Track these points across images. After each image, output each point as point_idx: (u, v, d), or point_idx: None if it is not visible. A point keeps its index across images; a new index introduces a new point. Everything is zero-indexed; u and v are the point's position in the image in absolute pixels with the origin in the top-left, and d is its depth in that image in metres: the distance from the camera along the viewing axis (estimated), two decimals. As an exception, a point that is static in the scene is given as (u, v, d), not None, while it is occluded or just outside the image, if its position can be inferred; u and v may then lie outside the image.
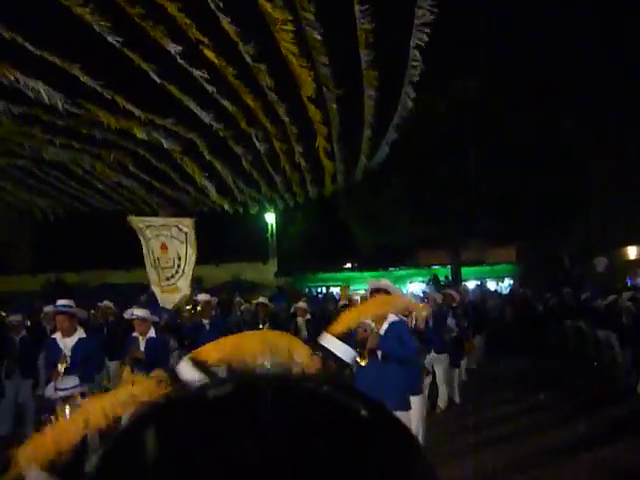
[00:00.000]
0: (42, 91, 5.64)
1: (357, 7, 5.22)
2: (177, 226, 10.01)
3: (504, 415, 9.34)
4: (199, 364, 2.77)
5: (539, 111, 20.50)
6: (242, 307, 14.45)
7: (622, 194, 21.52)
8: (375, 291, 5.88)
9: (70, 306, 7.12)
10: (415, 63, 6.75)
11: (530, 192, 21.46)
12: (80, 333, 7.05)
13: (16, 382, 9.30)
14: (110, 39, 4.73)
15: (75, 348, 6.84)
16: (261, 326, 10.93)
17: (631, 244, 24.97)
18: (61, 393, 4.97)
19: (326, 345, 4.38)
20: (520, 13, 18.87)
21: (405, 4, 5.53)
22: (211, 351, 2.88)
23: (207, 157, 10.17)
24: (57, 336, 7.06)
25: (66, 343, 6.89)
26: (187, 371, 2.88)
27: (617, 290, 15.07)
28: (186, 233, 9.95)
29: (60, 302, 7.18)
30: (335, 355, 4.31)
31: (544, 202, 21.71)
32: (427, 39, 6.18)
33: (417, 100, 8.73)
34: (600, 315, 13.39)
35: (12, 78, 5.32)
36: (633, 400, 10.00)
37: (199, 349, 2.99)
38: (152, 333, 7.61)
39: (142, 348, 7.43)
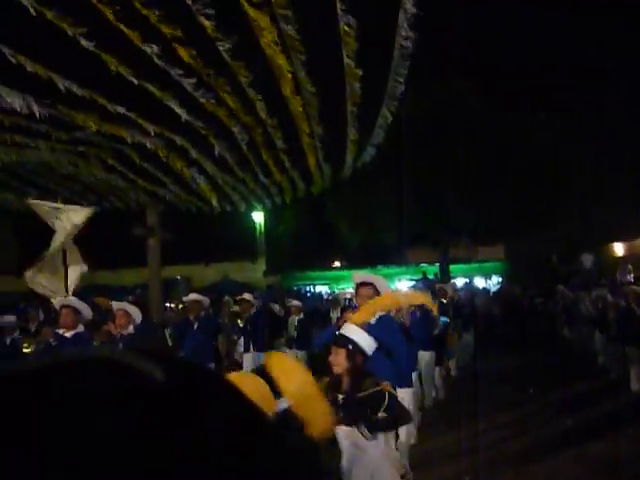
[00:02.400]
0: (16, 100, 5.60)
1: (338, 4, 5.19)
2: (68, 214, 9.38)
3: (492, 410, 9.37)
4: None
5: (524, 110, 20.57)
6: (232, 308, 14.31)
7: (608, 192, 21.66)
8: (361, 285, 5.78)
9: (76, 302, 7.46)
10: (400, 63, 6.76)
11: (517, 189, 21.59)
12: (79, 329, 7.21)
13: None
14: (84, 43, 4.70)
15: (71, 341, 6.93)
16: (239, 322, 11.10)
17: (617, 241, 25.14)
18: None
19: (350, 336, 4.42)
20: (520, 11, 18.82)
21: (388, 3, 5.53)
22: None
23: (193, 155, 10.12)
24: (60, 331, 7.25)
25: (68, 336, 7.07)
26: (356, 334, 3.41)
27: (603, 286, 15.21)
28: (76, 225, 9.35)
29: (70, 298, 7.67)
30: (358, 346, 4.33)
31: (531, 200, 21.85)
32: (411, 41, 6.19)
33: (404, 99, 8.78)
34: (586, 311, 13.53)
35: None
36: (623, 394, 10.06)
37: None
38: (130, 330, 7.63)
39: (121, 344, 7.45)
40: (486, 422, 8.63)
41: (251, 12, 4.74)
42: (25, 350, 7.22)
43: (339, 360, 4.34)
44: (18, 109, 5.62)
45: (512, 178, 21.42)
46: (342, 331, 4.52)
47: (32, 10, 4.33)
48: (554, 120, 20.63)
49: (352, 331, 4.49)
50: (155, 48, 5.09)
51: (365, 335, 4.49)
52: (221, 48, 5.17)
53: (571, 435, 7.90)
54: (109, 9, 4.51)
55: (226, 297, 15.87)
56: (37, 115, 6.08)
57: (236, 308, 13.44)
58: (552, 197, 22.23)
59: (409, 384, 6.63)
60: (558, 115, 20.46)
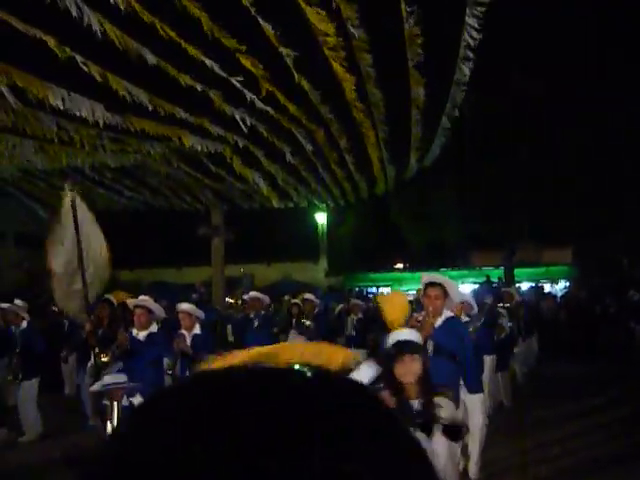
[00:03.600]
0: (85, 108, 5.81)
1: (404, 7, 5.16)
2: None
3: (556, 419, 9.11)
4: None
5: (591, 110, 19.91)
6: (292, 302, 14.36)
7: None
8: (430, 285, 5.49)
9: (148, 301, 7.51)
10: (466, 62, 6.67)
11: (585, 190, 20.97)
12: (153, 328, 7.25)
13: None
14: (149, 57, 4.84)
15: (147, 340, 7.06)
16: (305, 321, 11.09)
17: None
18: (111, 386, 5.39)
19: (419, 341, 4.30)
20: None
21: (454, 3, 5.47)
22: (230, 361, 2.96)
23: (258, 155, 10.27)
24: (134, 330, 7.32)
25: (143, 336, 7.14)
26: None
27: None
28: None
29: (141, 297, 7.67)
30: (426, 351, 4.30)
31: (600, 200, 21.18)
32: (478, 37, 6.10)
33: (469, 99, 8.67)
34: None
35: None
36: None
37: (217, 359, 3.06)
38: (197, 330, 7.73)
39: (188, 343, 7.57)
40: (548, 431, 8.40)
41: (313, 17, 4.76)
42: (104, 359, 7.27)
43: (415, 368, 4.05)
44: (85, 116, 5.82)
45: (580, 178, 20.79)
46: (408, 337, 4.31)
47: (98, 27, 4.48)
48: (621, 119, 19.89)
49: (417, 336, 4.35)
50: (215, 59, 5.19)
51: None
52: (285, 56, 5.21)
53: (637, 450, 7.59)
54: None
55: (286, 296, 15.97)
56: (101, 123, 6.28)
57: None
58: (621, 197, 21.46)
59: (478, 389, 6.34)
60: (624, 114, 19.71)
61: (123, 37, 4.63)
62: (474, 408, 6.34)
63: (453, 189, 22.20)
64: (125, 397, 5.53)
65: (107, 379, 5.63)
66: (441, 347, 5.23)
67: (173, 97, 6.20)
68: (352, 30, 4.93)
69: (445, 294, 5.38)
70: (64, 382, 12.27)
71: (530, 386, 11.79)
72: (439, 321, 5.37)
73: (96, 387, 5.69)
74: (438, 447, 4.31)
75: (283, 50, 5.02)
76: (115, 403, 5.19)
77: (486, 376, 9.13)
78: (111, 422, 5.05)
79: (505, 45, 14.75)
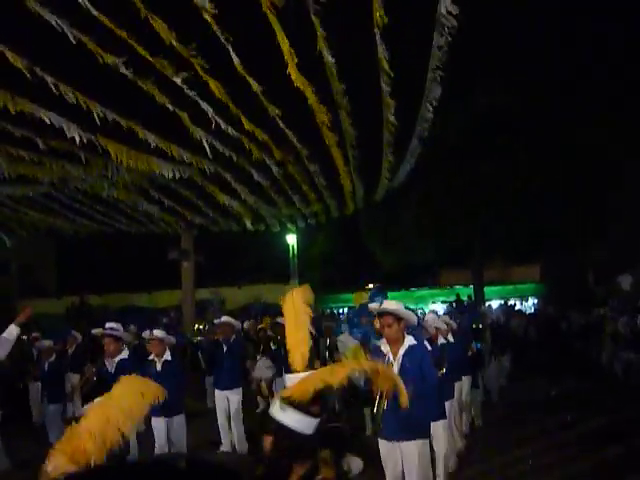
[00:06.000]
0: (64, 125, 5.79)
1: (376, 31, 5.22)
2: None
3: (530, 436, 9.17)
4: (294, 405, 2.75)
5: (558, 127, 20.26)
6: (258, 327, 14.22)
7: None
8: (379, 315, 5.39)
9: (116, 329, 7.44)
10: (435, 83, 6.79)
11: (553, 208, 21.28)
12: (124, 355, 7.29)
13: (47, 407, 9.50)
14: (122, 70, 4.84)
15: (116, 369, 7.04)
16: (273, 346, 11.00)
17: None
18: None
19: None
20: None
21: (422, 24, 5.57)
22: (298, 390, 2.85)
23: (228, 179, 10.26)
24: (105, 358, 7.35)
25: (112, 364, 7.20)
26: (283, 414, 2.83)
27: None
28: None
29: (108, 325, 7.52)
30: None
31: (567, 218, 21.50)
32: (443, 60, 6.23)
33: (434, 121, 8.77)
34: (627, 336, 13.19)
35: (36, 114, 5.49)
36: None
37: (287, 390, 2.96)
38: (168, 356, 7.65)
39: (159, 369, 7.49)
40: (523, 449, 8.45)
41: (284, 44, 4.81)
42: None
43: None
44: (66, 133, 5.77)
45: (547, 195, 21.08)
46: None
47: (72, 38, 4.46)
48: (590, 135, 20.28)
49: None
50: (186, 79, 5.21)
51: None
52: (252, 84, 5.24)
53: (610, 465, 7.68)
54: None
55: (249, 321, 15.79)
56: (77, 141, 6.24)
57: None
58: (589, 215, 21.80)
59: (441, 416, 6.50)
60: (594, 130, 20.11)
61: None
62: (438, 435, 6.35)
63: (421, 208, 22.34)
64: None
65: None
66: (403, 376, 5.02)
67: (144, 119, 6.20)
68: (326, 55, 4.99)
69: (398, 319, 5.27)
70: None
71: (501, 404, 11.85)
72: (401, 350, 5.28)
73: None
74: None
75: (250, 80, 5.06)
76: None
77: (466, 394, 9.16)
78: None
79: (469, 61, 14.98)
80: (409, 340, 5.35)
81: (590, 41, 19.07)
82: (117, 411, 2.15)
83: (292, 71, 5.04)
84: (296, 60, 4.88)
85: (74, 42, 4.43)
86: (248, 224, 15.10)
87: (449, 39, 5.59)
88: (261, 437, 3.12)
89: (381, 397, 4.96)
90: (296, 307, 3.37)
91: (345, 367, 3.02)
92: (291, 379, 3.25)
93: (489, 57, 17.81)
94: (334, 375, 2.91)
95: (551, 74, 19.69)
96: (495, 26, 16.44)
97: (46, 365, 9.84)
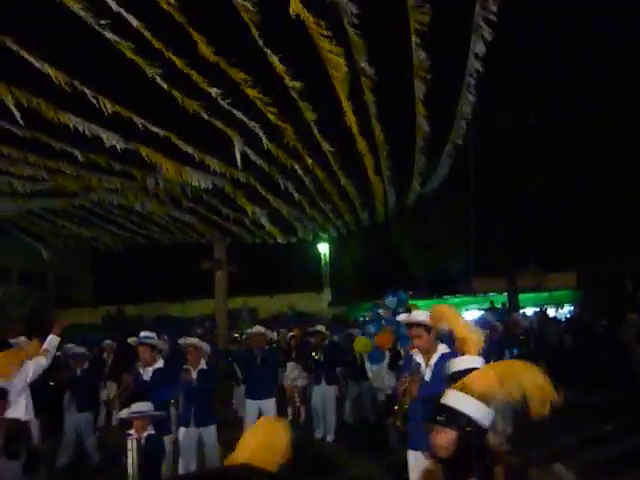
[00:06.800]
0: (102, 135, 5.92)
1: (413, 38, 5.22)
2: None
3: (569, 447, 8.95)
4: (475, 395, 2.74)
5: (593, 133, 20.02)
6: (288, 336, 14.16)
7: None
8: (407, 326, 5.39)
9: (152, 337, 7.45)
10: (470, 89, 6.76)
11: (590, 215, 20.98)
12: (159, 364, 7.29)
13: (75, 415, 9.44)
14: (159, 81, 4.91)
15: (152, 378, 7.10)
16: (314, 354, 10.90)
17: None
18: (134, 415, 5.57)
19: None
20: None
21: (459, 34, 5.56)
22: (478, 381, 2.82)
23: (259, 190, 10.33)
24: (140, 366, 7.37)
25: (147, 372, 7.20)
26: (460, 401, 2.77)
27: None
28: None
29: (142, 334, 7.52)
30: None
31: (603, 223, 21.17)
32: (481, 68, 6.20)
33: (471, 129, 8.74)
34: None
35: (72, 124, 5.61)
36: None
37: (465, 379, 2.91)
38: (203, 365, 7.69)
39: (194, 377, 7.53)
40: (561, 460, 8.25)
41: (326, 47, 4.80)
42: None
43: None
44: (105, 143, 5.87)
45: (582, 202, 20.81)
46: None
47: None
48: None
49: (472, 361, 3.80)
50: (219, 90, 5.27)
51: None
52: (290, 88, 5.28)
53: None
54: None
55: (282, 329, 15.82)
56: (119, 151, 6.34)
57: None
58: (627, 219, 21.42)
59: None
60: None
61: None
62: None
63: (455, 215, 22.22)
64: (151, 427, 5.65)
65: (135, 407, 5.67)
66: (435, 385, 4.84)
67: (178, 127, 6.28)
68: (362, 64, 5.00)
69: (427, 329, 5.22)
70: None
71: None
72: (433, 359, 5.23)
73: (123, 414, 5.75)
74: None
75: (289, 82, 5.09)
76: (135, 439, 5.21)
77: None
78: (131, 456, 5.02)
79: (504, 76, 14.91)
80: (442, 349, 5.29)
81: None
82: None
83: (336, 79, 5.05)
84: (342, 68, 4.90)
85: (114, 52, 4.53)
86: (279, 238, 15.20)
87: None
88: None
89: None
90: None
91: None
92: (459, 362, 3.69)
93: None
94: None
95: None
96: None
97: (78, 372, 9.70)
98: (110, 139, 5.93)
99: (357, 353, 11.59)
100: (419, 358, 5.35)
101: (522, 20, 16.80)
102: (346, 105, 5.72)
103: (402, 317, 5.93)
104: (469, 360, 3.77)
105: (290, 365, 12.17)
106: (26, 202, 9.40)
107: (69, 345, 10.22)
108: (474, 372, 3.03)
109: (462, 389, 2.83)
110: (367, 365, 11.38)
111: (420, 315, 5.39)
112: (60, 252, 17.10)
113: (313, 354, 10.81)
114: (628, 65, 18.70)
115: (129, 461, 4.91)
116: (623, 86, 18.96)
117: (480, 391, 2.78)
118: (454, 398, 2.84)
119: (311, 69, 5.31)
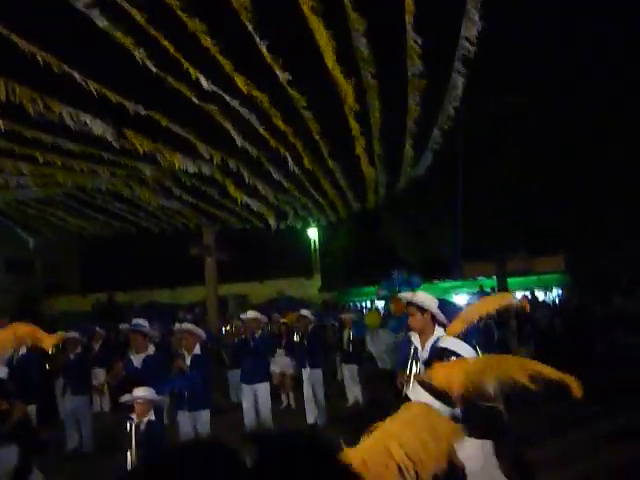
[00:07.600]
0: (90, 123, 5.83)
1: (407, 19, 5.19)
2: None
3: (556, 428, 9.05)
4: (430, 389, 2.73)
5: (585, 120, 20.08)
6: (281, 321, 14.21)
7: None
8: (408, 305, 5.36)
9: (144, 325, 7.49)
10: (460, 74, 6.73)
11: (577, 199, 21.12)
12: (150, 350, 7.36)
13: (71, 399, 9.51)
14: (148, 64, 4.85)
15: (143, 365, 7.16)
16: (296, 338, 11.03)
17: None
18: (139, 400, 5.59)
19: (455, 349, 3.86)
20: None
21: (451, 18, 5.54)
22: (444, 376, 2.82)
23: (247, 178, 10.27)
24: (131, 353, 7.49)
25: (138, 359, 7.28)
26: (421, 395, 2.79)
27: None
28: None
29: (135, 322, 7.57)
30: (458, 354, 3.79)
31: (605, 225, 21.37)
32: (473, 50, 6.18)
33: (460, 113, 8.72)
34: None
35: (61, 112, 5.53)
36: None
37: (430, 371, 2.94)
38: (197, 350, 7.68)
39: (187, 363, 7.53)
40: (548, 441, 8.36)
41: (316, 26, 4.75)
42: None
43: None
44: (97, 135, 5.81)
45: (582, 202, 20.98)
46: (443, 344, 3.97)
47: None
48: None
49: (453, 344, 3.98)
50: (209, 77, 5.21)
51: (467, 347, 3.97)
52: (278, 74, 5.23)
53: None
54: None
55: (275, 314, 15.87)
56: (113, 142, 6.27)
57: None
58: (627, 219, 21.59)
59: None
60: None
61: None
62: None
63: (444, 200, 22.29)
64: (152, 412, 5.67)
65: (137, 392, 5.66)
66: (429, 367, 4.88)
67: (169, 111, 6.21)
68: (357, 42, 4.96)
69: (421, 310, 5.26)
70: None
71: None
72: (429, 341, 5.20)
73: (126, 398, 5.74)
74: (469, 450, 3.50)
75: (279, 72, 5.04)
76: (136, 423, 5.28)
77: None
78: (130, 443, 5.03)
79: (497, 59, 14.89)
80: (439, 332, 5.23)
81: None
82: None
83: (329, 60, 5.00)
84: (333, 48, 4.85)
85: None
86: (271, 221, 15.13)
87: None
88: None
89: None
90: None
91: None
92: (446, 340, 3.97)
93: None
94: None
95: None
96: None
97: (71, 356, 9.70)
98: (97, 126, 5.85)
99: (345, 337, 11.82)
100: (415, 340, 5.36)
101: (522, 20, 16.83)
102: (341, 80, 5.66)
103: (404, 295, 5.95)
104: (455, 343, 3.91)
105: (279, 352, 12.18)
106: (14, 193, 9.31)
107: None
108: (444, 366, 3.07)
109: (422, 383, 2.85)
110: (367, 340, 12.66)
111: (418, 296, 5.39)
112: (47, 240, 16.97)
113: (295, 338, 10.95)
114: (628, 65, 18.73)
115: (129, 445, 4.94)
116: (623, 86, 19.00)
117: (437, 389, 2.79)
118: (414, 391, 2.89)
119: (303, 56, 5.26)
